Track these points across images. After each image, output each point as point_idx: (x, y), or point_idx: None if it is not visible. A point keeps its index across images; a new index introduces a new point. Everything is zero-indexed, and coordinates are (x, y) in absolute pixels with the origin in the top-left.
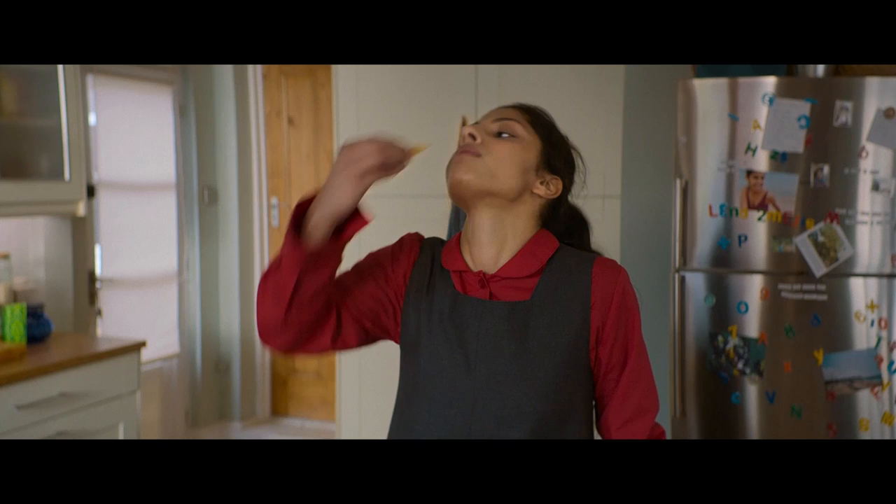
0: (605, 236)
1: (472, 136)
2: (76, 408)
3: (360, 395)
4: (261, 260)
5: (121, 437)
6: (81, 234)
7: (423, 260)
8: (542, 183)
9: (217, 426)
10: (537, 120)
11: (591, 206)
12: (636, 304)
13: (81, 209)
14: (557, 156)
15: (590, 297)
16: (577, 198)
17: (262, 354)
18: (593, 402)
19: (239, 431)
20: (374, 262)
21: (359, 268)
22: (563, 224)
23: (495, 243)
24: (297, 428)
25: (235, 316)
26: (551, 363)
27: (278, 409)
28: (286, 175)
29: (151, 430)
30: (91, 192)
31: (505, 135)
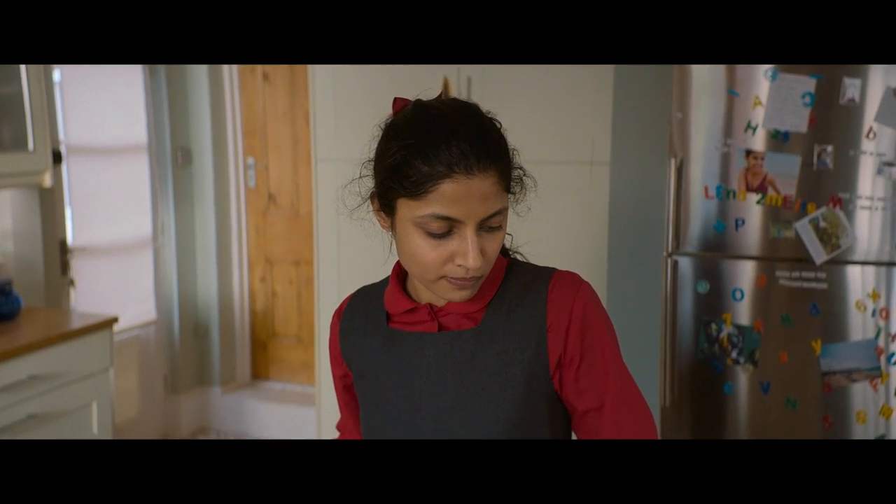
0: (593, 204)
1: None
2: (47, 389)
3: None
4: (238, 221)
5: (94, 416)
6: (50, 202)
7: (347, 324)
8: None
9: (196, 391)
10: (509, 175)
11: (578, 172)
12: (603, 320)
13: (48, 180)
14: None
15: (545, 318)
16: (561, 164)
17: (241, 318)
18: (572, 437)
19: (219, 396)
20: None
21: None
22: None
23: None
24: (278, 391)
25: (213, 280)
26: (503, 397)
27: (258, 373)
28: (262, 134)
29: (130, 399)
30: (58, 158)
31: (496, 225)
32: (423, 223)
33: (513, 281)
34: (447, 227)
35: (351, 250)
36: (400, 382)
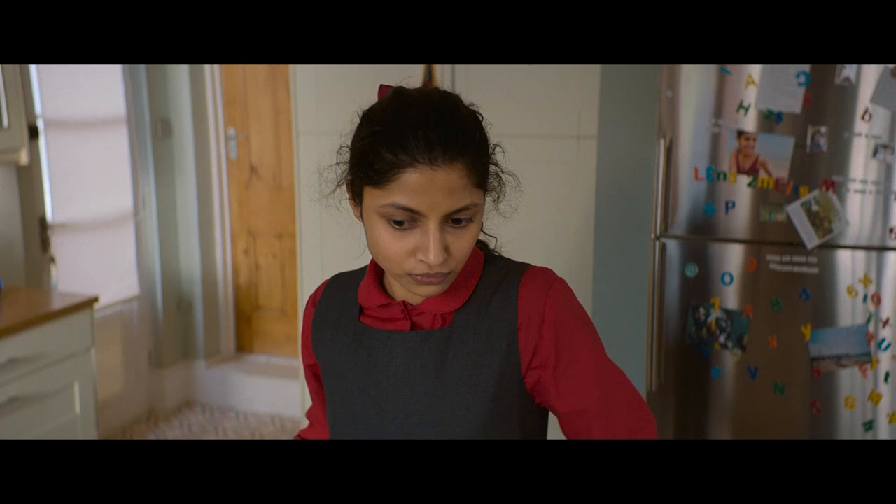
0: (580, 179)
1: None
2: (28, 371)
3: None
4: (220, 194)
5: (77, 396)
6: (28, 179)
7: (321, 316)
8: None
9: (181, 365)
10: (482, 170)
11: (565, 146)
12: (578, 316)
13: (24, 157)
14: (489, 182)
15: (516, 318)
16: (546, 138)
17: (225, 292)
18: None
19: (204, 370)
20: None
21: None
22: None
23: None
24: (263, 364)
25: (196, 253)
26: (473, 399)
27: (243, 346)
28: (242, 104)
29: (114, 374)
30: (34, 133)
31: (464, 222)
32: (386, 213)
33: (486, 279)
34: (410, 219)
35: (334, 224)
36: (368, 382)
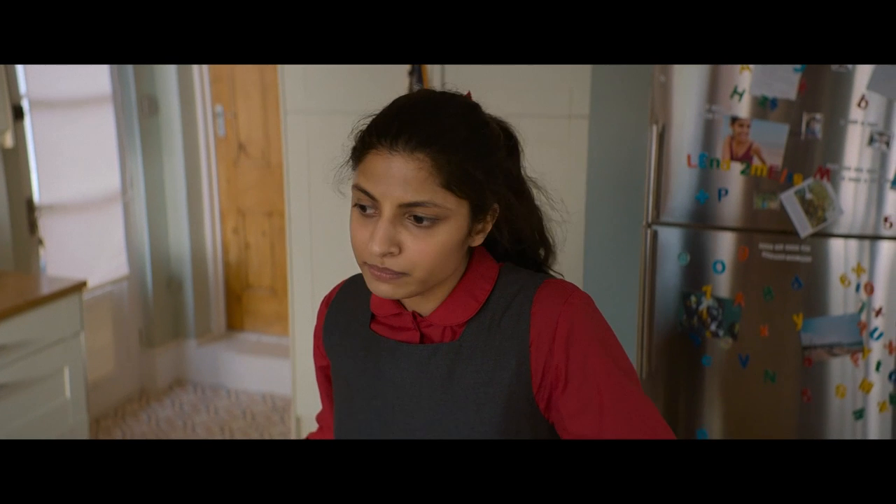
0: (571, 159)
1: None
2: (17, 357)
3: (312, 310)
4: (208, 172)
5: (67, 380)
6: (14, 161)
7: (333, 318)
8: (479, 232)
9: (172, 344)
10: (456, 174)
11: (556, 126)
12: (594, 333)
13: (9, 139)
14: (490, 191)
15: (528, 333)
16: (537, 117)
17: (215, 270)
18: None
19: (195, 349)
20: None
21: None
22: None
23: (426, 297)
24: (253, 343)
25: (185, 232)
26: (479, 418)
27: (234, 325)
28: (230, 80)
29: (105, 355)
30: (19, 113)
31: (421, 223)
32: (354, 197)
33: (500, 290)
34: (371, 205)
35: (322, 203)
36: (373, 393)
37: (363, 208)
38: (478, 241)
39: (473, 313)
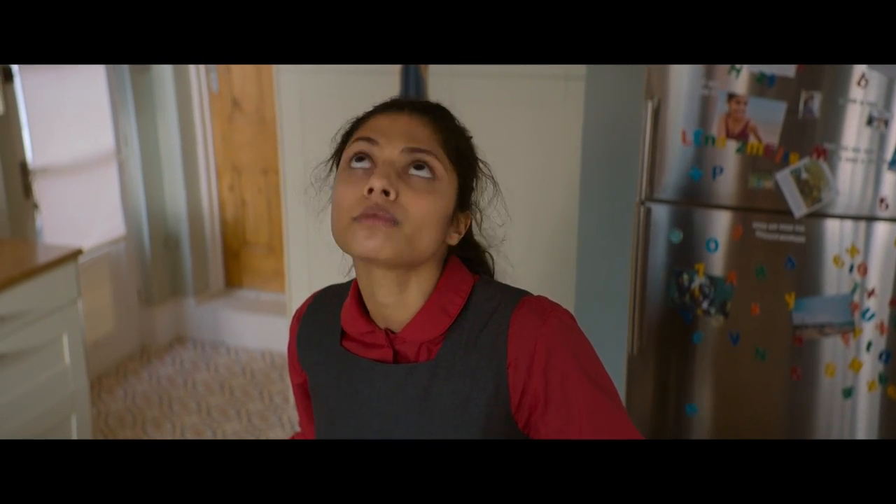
0: (567, 121)
1: (386, 192)
2: (15, 328)
3: (309, 268)
4: (202, 128)
5: (66, 347)
6: (6, 125)
7: (305, 334)
8: (455, 231)
9: (171, 302)
10: (453, 144)
11: (552, 87)
12: (573, 353)
13: (0, 105)
14: (472, 186)
15: (506, 354)
16: (532, 77)
17: (212, 228)
18: None
19: (193, 306)
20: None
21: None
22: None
23: (400, 303)
24: (252, 300)
25: (181, 189)
26: (458, 439)
27: (232, 282)
28: None
29: (105, 315)
30: (8, 76)
31: (421, 173)
32: (348, 155)
33: (476, 306)
34: (368, 154)
35: (317, 160)
36: (349, 412)
37: (360, 159)
38: (454, 239)
39: (445, 328)
